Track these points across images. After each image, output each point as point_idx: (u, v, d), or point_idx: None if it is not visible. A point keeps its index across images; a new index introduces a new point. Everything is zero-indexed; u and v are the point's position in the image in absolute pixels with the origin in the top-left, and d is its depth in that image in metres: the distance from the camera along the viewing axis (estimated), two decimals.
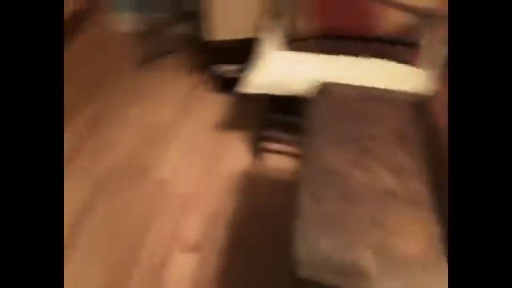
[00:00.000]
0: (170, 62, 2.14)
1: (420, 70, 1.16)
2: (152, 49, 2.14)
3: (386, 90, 0.78)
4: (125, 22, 2.35)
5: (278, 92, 1.17)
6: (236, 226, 1.39)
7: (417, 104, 0.74)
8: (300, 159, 0.65)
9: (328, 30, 1.10)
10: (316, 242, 0.49)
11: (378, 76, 1.08)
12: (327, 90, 0.75)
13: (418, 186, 0.59)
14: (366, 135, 0.66)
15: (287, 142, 1.57)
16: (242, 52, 1.71)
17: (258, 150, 1.59)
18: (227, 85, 1.91)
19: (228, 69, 1.82)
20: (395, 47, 1.11)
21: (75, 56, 2.28)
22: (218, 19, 1.57)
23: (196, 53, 2.16)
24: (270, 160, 1.64)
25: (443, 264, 0.49)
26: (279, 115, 1.36)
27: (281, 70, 1.15)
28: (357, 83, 0.81)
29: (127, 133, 1.80)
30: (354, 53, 1.13)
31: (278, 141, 1.54)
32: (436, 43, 1.10)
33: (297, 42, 1.14)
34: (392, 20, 1.09)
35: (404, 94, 0.77)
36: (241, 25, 1.58)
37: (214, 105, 1.91)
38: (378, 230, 0.52)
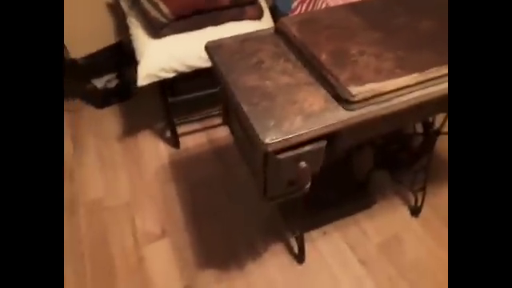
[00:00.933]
0: None
1: (263, 19, 1.50)
2: None
3: (252, 32, 1.06)
4: None
5: (170, 74, 1.37)
6: (188, 203, 1.56)
7: (276, 32, 1.05)
8: (226, 93, 0.89)
9: (182, 11, 1.33)
10: (268, 124, 0.75)
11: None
12: (215, 46, 0.99)
13: (303, 76, 0.90)
14: (257, 61, 0.94)
15: (195, 120, 1.78)
16: (108, 61, 1.80)
17: (172, 138, 1.75)
18: (108, 95, 1.96)
19: (105, 80, 1.88)
20: (243, 8, 1.41)
21: None
22: (70, 37, 1.61)
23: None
24: (187, 142, 1.82)
25: (337, 105, 0.81)
26: (177, 97, 1.55)
27: (163, 56, 1.34)
28: None
29: None
30: (215, 23, 1.39)
31: (185, 122, 1.74)
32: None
33: (161, 29, 1.33)
34: None
35: (263, 30, 1.08)
36: (97, 35, 1.67)
37: (107, 119, 1.96)
38: (294, 105, 0.80)
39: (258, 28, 1.45)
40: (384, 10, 1.06)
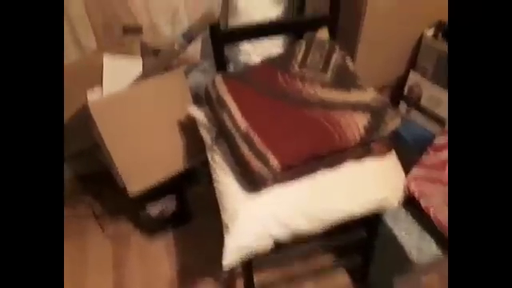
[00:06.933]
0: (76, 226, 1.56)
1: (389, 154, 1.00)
2: None
3: None
4: None
5: (267, 245, 0.87)
6: None
7: None
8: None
9: (296, 162, 0.85)
10: None
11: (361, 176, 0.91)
12: None
13: None
14: None
15: None
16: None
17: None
18: (164, 222, 1.47)
19: (162, 205, 1.40)
20: (370, 143, 0.92)
21: None
22: (128, 171, 1.15)
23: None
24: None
25: None
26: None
27: (262, 220, 0.84)
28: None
29: None
30: (330, 165, 0.90)
31: None
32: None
33: (263, 184, 0.85)
34: (353, 124, 0.89)
35: None
36: (161, 165, 1.21)
37: (156, 252, 1.45)
38: None
39: (384, 168, 0.97)
40: None
